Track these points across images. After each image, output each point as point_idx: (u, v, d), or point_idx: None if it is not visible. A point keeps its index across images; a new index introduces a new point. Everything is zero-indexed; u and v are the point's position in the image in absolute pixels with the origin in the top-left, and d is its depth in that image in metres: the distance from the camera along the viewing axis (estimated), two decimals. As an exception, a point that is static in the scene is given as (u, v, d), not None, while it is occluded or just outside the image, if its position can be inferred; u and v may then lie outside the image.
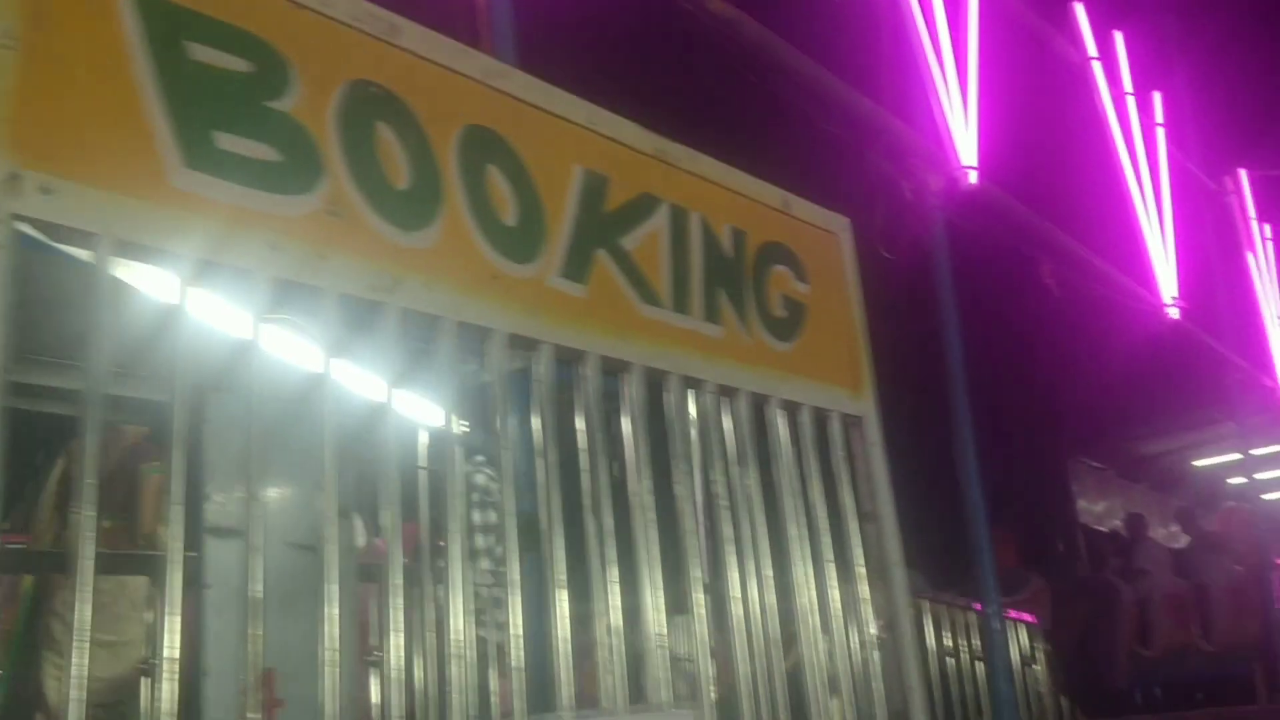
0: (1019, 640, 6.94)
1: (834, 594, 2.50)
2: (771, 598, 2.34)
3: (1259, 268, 10.03)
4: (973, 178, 5.78)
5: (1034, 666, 7.14)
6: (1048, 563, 13.85)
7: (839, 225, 2.85)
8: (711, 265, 2.45)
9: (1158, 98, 8.67)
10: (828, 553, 2.53)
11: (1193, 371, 9.21)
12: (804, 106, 5.33)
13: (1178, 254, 7.88)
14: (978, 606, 7.03)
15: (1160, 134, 8.50)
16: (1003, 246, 6.36)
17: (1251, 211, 10.19)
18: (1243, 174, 10.30)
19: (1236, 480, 13.58)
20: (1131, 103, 8.11)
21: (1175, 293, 7.59)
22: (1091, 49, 7.79)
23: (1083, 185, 7.54)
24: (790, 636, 2.39)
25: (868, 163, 5.66)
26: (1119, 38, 8.27)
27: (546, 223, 2.12)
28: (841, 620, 2.51)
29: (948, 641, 5.98)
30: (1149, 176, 7.89)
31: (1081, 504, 14.06)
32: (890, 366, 2.97)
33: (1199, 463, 14.45)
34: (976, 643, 6.16)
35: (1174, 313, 7.55)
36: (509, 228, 2.06)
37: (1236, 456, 11.85)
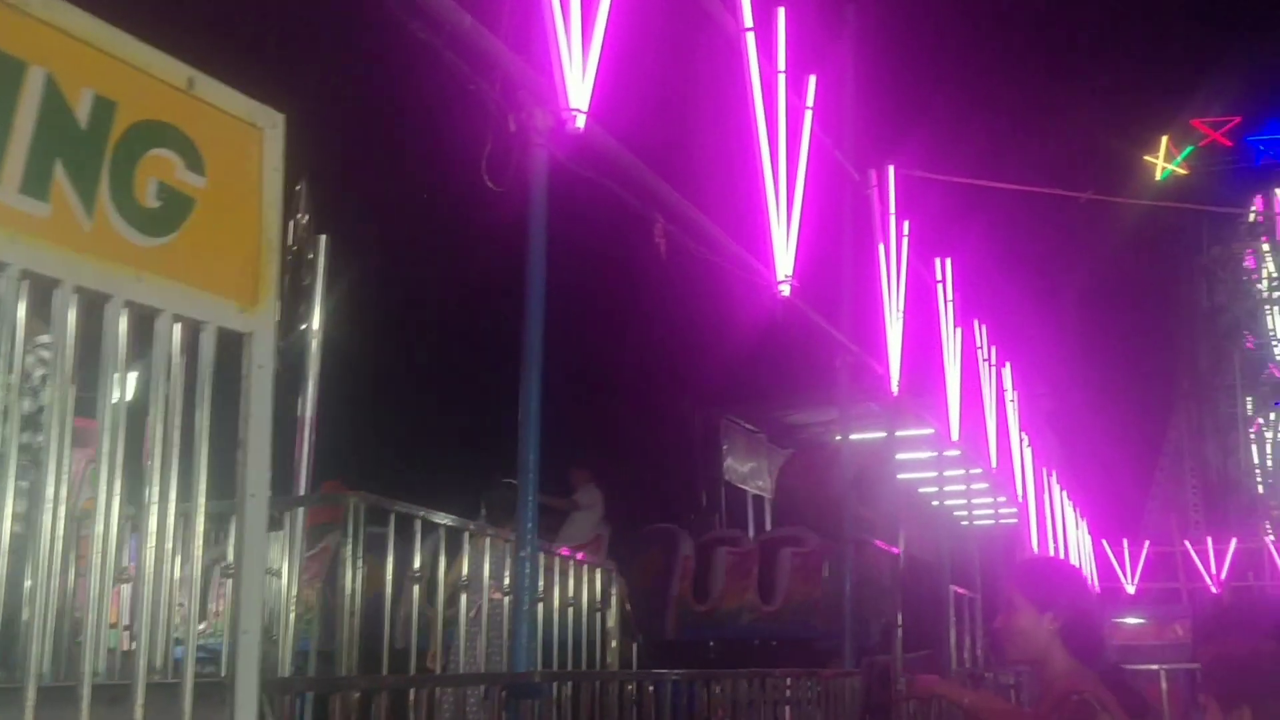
0: (590, 583, 6.91)
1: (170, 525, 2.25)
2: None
3: (889, 263, 10.55)
4: (580, 122, 5.64)
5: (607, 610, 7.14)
6: (690, 515, 14.38)
7: (268, 120, 2.55)
8: (50, 132, 2.10)
9: (812, 81, 8.86)
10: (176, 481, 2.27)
11: (804, 350, 9.60)
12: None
13: (801, 236, 8.10)
14: (564, 551, 7.06)
15: (808, 116, 8.69)
16: (612, 198, 6.28)
17: (892, 207, 10.70)
18: (890, 170, 10.79)
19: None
20: (782, 81, 8.23)
21: (790, 271, 7.79)
22: (749, 20, 7.82)
23: (714, 153, 7.61)
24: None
25: (479, 93, 5.43)
26: (781, 13, 8.37)
27: None
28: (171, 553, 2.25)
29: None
30: (786, 156, 8.04)
31: (729, 462, 14.55)
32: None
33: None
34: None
35: (785, 290, 7.76)
36: None
37: (881, 434, 12.59)
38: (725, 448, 14.50)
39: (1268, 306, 39.49)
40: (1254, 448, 38.46)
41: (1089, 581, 10.43)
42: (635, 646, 7.84)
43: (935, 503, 13.12)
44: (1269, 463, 38.02)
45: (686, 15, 7.65)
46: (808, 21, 9.05)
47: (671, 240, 6.66)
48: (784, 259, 7.83)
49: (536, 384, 5.06)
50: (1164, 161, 41.01)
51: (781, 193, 7.94)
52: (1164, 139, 41.21)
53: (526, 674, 4.61)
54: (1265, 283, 39.81)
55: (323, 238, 6.42)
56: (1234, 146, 41.55)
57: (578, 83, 5.69)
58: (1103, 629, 3.49)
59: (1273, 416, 38.39)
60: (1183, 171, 40.73)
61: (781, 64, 8.31)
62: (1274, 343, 39.17)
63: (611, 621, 7.11)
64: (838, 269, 9.78)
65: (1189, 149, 41.31)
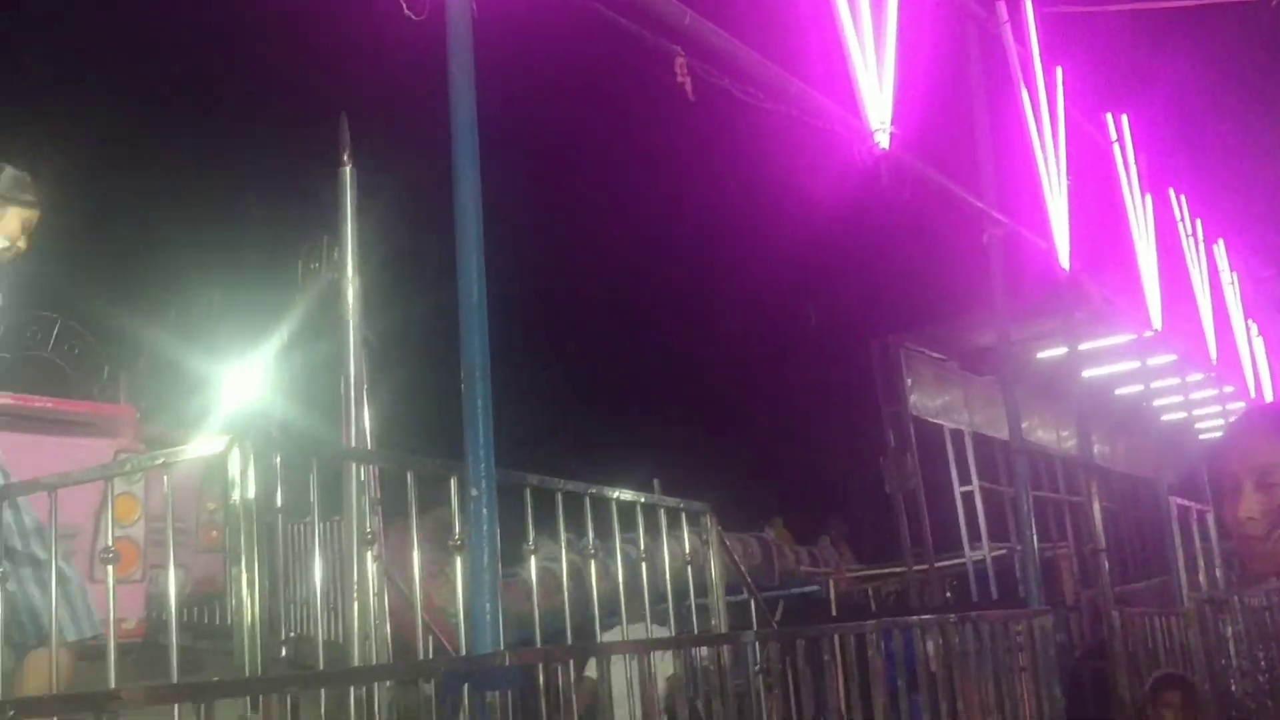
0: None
1: None
2: None
3: (1039, 118, 8.68)
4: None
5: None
6: (880, 459, 12.74)
7: None
8: None
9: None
10: None
11: (944, 233, 7.88)
12: None
13: (913, 97, 6.45)
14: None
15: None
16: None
17: (1034, 47, 8.81)
18: (1028, 5, 8.89)
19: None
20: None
21: (887, 119, 6.13)
22: None
23: None
24: None
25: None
26: None
27: None
28: None
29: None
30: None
31: (916, 397, 12.78)
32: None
33: (1041, 354, 13.16)
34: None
35: (883, 140, 6.10)
36: None
37: (1064, 350, 10.72)
38: (910, 381, 12.72)
39: None
40: None
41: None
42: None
43: (1142, 404, 11.07)
44: None
45: None
46: None
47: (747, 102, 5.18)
48: (877, 105, 6.18)
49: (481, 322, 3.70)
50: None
51: (865, 26, 6.28)
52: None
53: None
54: None
55: (347, 170, 5.71)
56: None
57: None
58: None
59: None
60: None
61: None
62: None
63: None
64: (968, 129, 7.98)
65: None
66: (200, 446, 3.68)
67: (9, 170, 4.20)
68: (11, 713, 2.39)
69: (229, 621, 3.43)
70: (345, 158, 6.09)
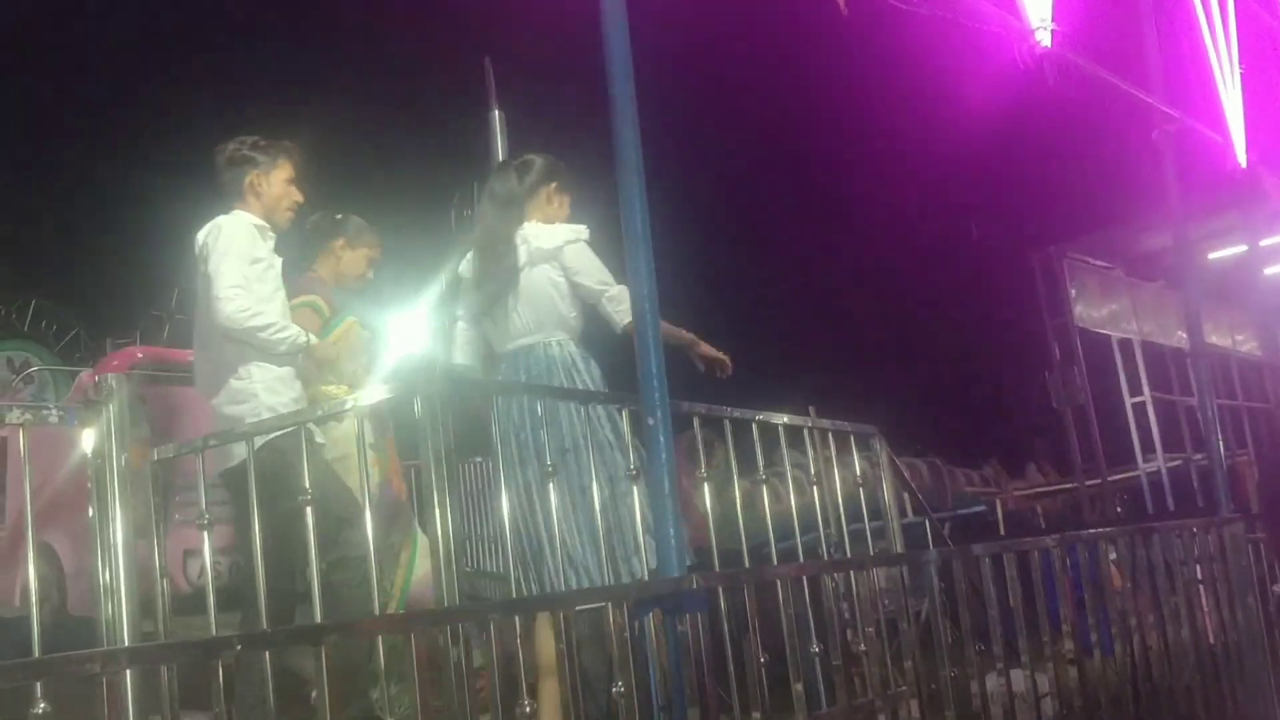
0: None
1: None
2: None
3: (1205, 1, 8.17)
4: None
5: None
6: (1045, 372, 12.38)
7: None
8: None
9: None
10: None
11: (1111, 134, 7.52)
12: None
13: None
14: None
15: None
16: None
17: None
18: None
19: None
20: None
21: (1047, 15, 5.86)
22: None
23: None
24: None
25: None
26: None
27: None
28: None
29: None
30: None
31: (1081, 308, 12.35)
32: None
33: (1213, 255, 12.49)
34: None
35: (1044, 38, 5.83)
36: None
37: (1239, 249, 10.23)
38: (1074, 292, 12.26)
39: None
40: None
41: None
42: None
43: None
44: None
45: None
46: None
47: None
48: (1036, 2, 5.91)
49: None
50: None
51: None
52: None
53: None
54: None
55: (496, 114, 5.99)
56: None
57: None
58: None
59: None
60: None
61: None
62: None
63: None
64: (1133, 20, 7.55)
65: None
66: (381, 392, 3.80)
67: (355, 219, 4.87)
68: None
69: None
70: (492, 102, 6.18)
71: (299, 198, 4.60)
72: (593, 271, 4.48)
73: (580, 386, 4.43)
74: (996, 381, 14.80)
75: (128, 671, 2.53)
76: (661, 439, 3.55)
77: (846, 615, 4.32)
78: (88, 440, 3.21)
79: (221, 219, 4.36)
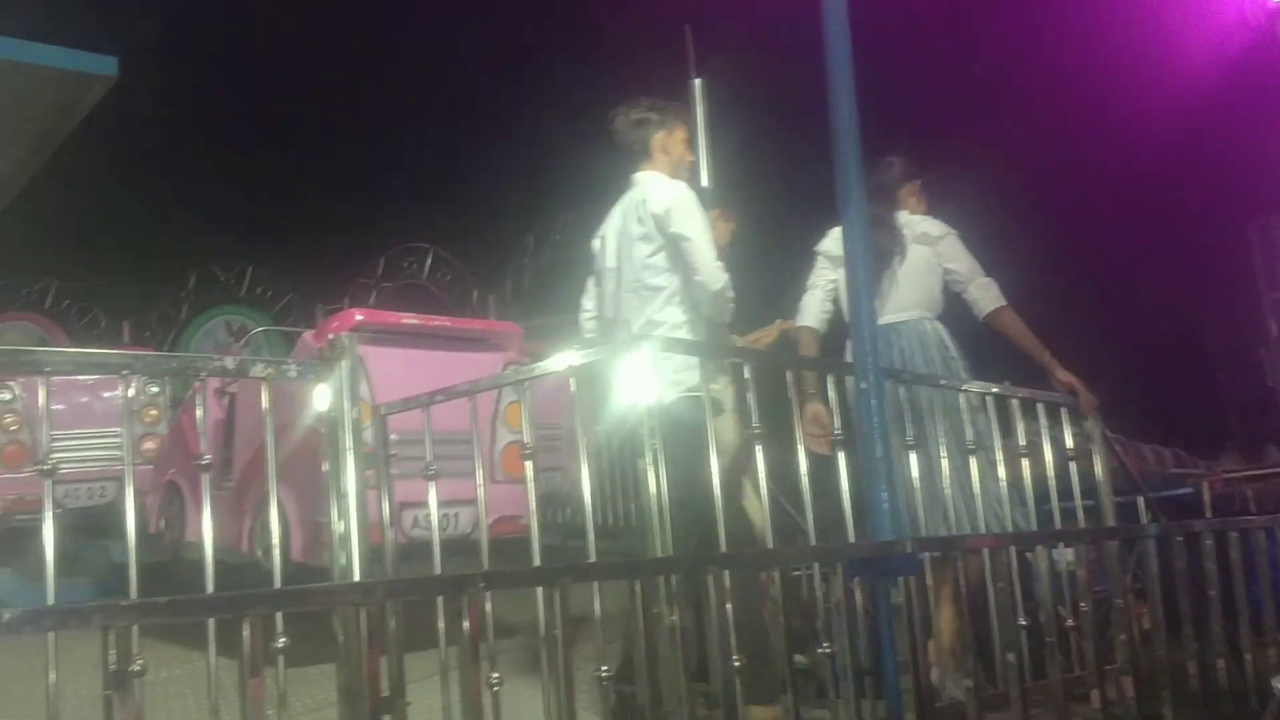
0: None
1: None
2: None
3: None
4: None
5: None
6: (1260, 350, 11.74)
7: None
8: None
9: None
10: None
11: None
12: None
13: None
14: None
15: None
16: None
17: None
18: None
19: None
20: None
21: (1283, -32, 5.51)
22: None
23: None
24: None
25: None
26: None
27: None
28: None
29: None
30: None
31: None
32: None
33: None
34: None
35: (1278, -6, 5.50)
36: None
37: None
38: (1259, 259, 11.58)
39: None
40: None
41: None
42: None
43: None
44: None
45: None
46: None
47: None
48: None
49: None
50: None
51: None
52: None
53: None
54: None
55: (697, 82, 5.85)
56: None
57: None
58: None
59: None
60: None
61: None
62: None
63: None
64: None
65: None
66: (588, 356, 3.86)
67: (724, 193, 5.25)
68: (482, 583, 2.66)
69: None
70: (693, 70, 6.16)
71: (692, 157, 4.75)
72: (967, 259, 4.94)
73: (948, 362, 4.85)
74: (1203, 358, 14.07)
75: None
76: (874, 402, 3.54)
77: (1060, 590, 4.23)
78: (321, 396, 3.34)
79: (671, 183, 4.46)
